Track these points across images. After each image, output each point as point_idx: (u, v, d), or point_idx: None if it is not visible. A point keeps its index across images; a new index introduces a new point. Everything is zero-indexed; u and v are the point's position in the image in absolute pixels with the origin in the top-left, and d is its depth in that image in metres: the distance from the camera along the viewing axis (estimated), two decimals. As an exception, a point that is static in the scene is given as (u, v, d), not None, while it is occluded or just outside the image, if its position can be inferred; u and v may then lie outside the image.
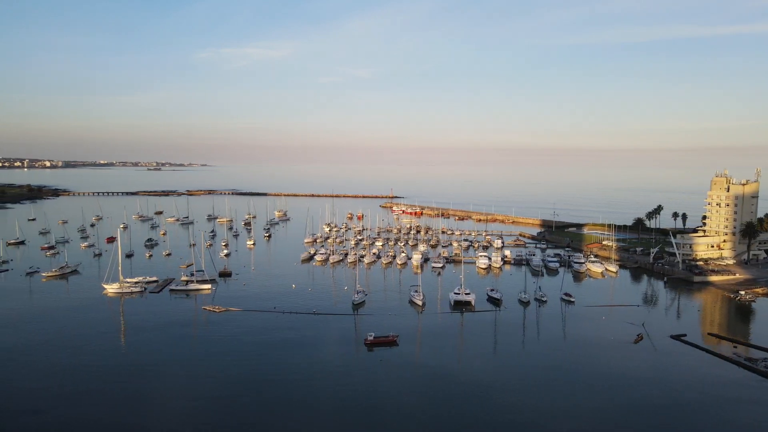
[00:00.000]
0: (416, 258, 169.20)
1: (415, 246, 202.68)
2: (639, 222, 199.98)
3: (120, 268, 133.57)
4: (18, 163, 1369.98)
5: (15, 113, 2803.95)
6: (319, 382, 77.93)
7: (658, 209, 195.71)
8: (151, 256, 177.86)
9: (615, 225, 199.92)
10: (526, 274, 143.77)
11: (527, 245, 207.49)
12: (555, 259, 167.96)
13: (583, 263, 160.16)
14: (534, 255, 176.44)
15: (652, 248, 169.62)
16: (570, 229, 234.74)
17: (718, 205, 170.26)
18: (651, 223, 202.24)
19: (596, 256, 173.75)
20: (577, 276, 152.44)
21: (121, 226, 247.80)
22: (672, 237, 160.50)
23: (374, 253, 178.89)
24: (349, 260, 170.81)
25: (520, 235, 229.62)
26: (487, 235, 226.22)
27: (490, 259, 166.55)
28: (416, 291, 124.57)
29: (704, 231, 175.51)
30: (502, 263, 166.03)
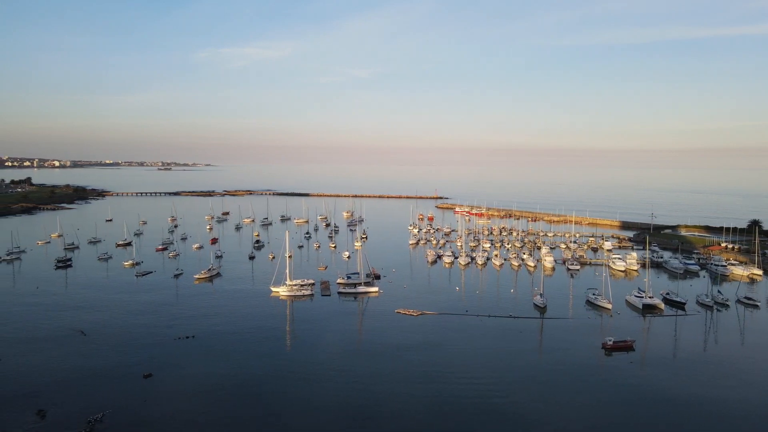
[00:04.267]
0: (549, 260, 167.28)
1: (521, 248, 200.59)
2: (755, 224, 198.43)
3: (288, 270, 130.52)
4: (27, 163, 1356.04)
5: (19, 113, 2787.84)
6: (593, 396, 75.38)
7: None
8: (273, 257, 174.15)
9: (728, 227, 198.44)
10: (662, 277, 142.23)
11: (634, 248, 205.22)
12: (693, 261, 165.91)
13: (726, 266, 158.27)
14: (662, 257, 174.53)
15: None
16: (665, 230, 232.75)
17: None
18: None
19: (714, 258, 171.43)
20: (722, 279, 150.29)
21: (208, 227, 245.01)
22: None
23: (496, 255, 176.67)
24: (478, 262, 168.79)
25: (613, 236, 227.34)
26: (586, 236, 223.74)
27: (625, 261, 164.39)
28: (595, 294, 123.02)
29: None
30: (638, 266, 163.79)
